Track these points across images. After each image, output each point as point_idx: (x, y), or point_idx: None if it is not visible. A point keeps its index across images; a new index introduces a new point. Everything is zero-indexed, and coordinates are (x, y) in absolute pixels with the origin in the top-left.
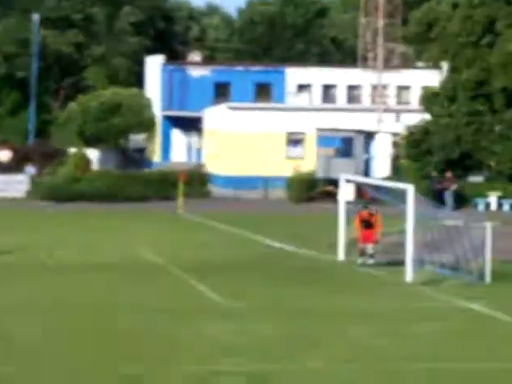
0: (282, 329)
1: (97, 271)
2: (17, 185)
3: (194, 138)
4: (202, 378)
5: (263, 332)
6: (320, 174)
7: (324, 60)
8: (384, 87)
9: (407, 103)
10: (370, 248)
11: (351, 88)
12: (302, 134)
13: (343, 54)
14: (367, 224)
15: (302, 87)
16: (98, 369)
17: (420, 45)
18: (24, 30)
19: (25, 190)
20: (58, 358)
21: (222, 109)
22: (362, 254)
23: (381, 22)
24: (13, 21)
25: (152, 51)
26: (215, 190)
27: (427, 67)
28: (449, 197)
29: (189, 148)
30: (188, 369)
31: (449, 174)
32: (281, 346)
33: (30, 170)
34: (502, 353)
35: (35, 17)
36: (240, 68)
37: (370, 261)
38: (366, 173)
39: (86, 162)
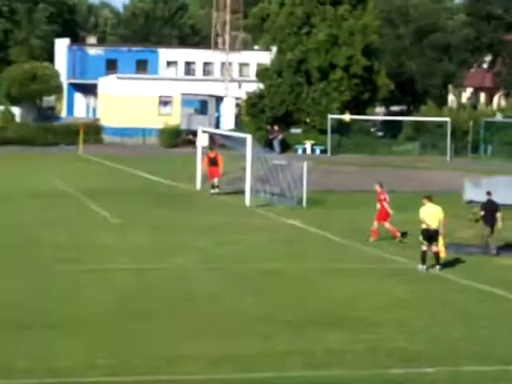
0: (151, 239)
1: (18, 197)
2: None
3: (91, 100)
4: (101, 272)
5: (138, 241)
6: (183, 127)
7: (184, 43)
8: (230, 64)
9: (247, 76)
10: (215, 181)
11: (206, 64)
12: (170, 97)
13: (200, 39)
14: (213, 162)
15: (170, 63)
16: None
17: (256, 33)
18: None
19: None
20: None
21: (111, 78)
22: (212, 185)
23: (228, 16)
24: None
25: (60, 35)
26: (107, 137)
27: (261, 50)
28: (277, 144)
29: (87, 107)
30: (88, 267)
31: (276, 127)
32: (151, 251)
33: None
34: (313, 256)
35: None
36: (125, 48)
37: (216, 190)
38: (217, 126)
39: (12, 116)
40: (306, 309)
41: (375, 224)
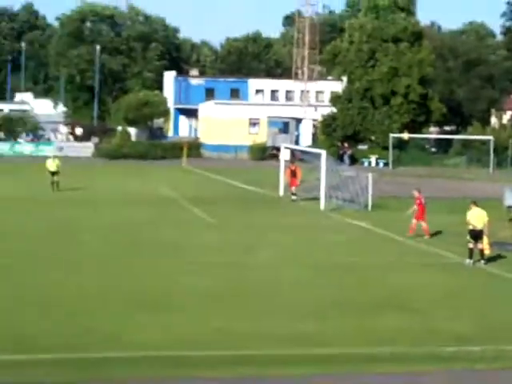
0: (242, 237)
1: (133, 202)
2: (86, 149)
3: (193, 122)
4: (200, 264)
5: (232, 239)
6: (269, 144)
7: (270, 74)
8: (307, 92)
9: (322, 101)
10: (294, 189)
11: (288, 92)
12: (258, 119)
13: (283, 71)
14: (293, 173)
15: (258, 91)
16: (125, 261)
17: (330, 66)
18: (90, 54)
19: (91, 152)
20: (105, 254)
21: (210, 104)
22: (291, 193)
23: (306, 52)
24: (84, 48)
25: (168, 69)
26: (206, 153)
27: (334, 80)
28: (346, 158)
29: (190, 127)
30: (189, 260)
31: (346, 144)
32: (242, 247)
33: (94, 139)
34: (380, 251)
35: (97, 47)
36: (221, 79)
37: (295, 197)
38: (297, 143)
39: (128, 135)
40: (373, 295)
41: (413, 221)
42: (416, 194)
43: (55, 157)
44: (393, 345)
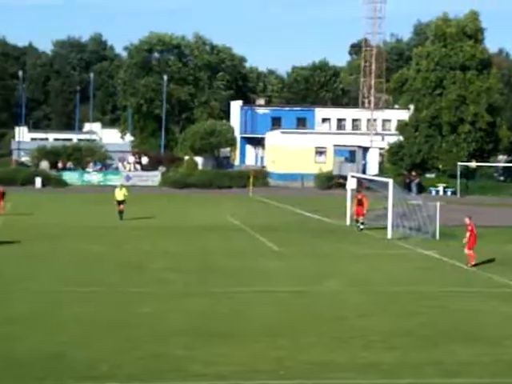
0: (308, 265)
1: (200, 230)
2: (153, 178)
3: (259, 150)
4: (266, 294)
5: (298, 267)
6: (335, 172)
7: (336, 103)
8: (374, 120)
9: (389, 130)
10: (361, 219)
11: (354, 120)
12: (324, 148)
13: (349, 99)
14: (359, 202)
15: (324, 120)
16: (203, 288)
17: (396, 94)
18: (158, 84)
19: (158, 181)
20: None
21: (276, 133)
22: (357, 222)
23: (373, 81)
24: (151, 78)
25: (234, 98)
26: (272, 181)
27: (401, 108)
28: (414, 186)
29: (256, 156)
30: (256, 288)
31: (413, 173)
32: (308, 276)
33: (161, 168)
34: (446, 280)
35: (164, 77)
36: (287, 108)
37: (362, 226)
38: (364, 171)
39: (195, 164)
40: (440, 325)
41: (466, 251)
42: (467, 221)
43: (122, 186)
44: (464, 377)
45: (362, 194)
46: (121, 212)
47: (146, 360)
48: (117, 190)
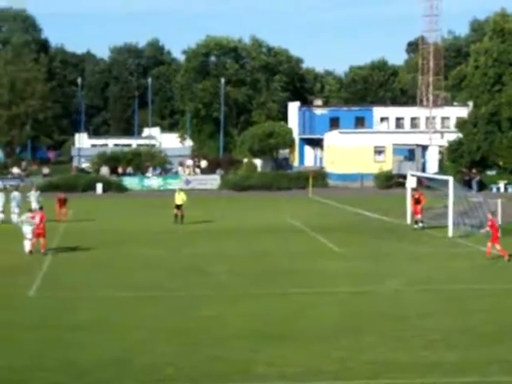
0: (369, 265)
1: (260, 232)
2: (212, 181)
3: (318, 151)
4: (327, 295)
5: (358, 267)
6: (395, 171)
7: (395, 102)
8: (433, 118)
9: (448, 127)
10: (419, 217)
11: (413, 119)
12: (383, 147)
13: (407, 98)
14: (416, 201)
15: (383, 119)
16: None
17: (454, 91)
18: (215, 87)
19: (217, 184)
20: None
21: (334, 133)
22: (416, 220)
23: (431, 78)
24: (208, 82)
25: (292, 99)
26: (331, 182)
27: (459, 105)
28: (474, 184)
29: (315, 157)
30: (317, 289)
31: (474, 170)
32: (369, 276)
33: (220, 171)
34: (508, 278)
35: (222, 79)
36: (345, 108)
37: (420, 224)
38: (423, 170)
39: (254, 167)
40: (500, 322)
41: (489, 245)
42: (489, 216)
43: (181, 190)
44: None
45: (420, 192)
46: (178, 216)
47: (209, 363)
48: (176, 195)
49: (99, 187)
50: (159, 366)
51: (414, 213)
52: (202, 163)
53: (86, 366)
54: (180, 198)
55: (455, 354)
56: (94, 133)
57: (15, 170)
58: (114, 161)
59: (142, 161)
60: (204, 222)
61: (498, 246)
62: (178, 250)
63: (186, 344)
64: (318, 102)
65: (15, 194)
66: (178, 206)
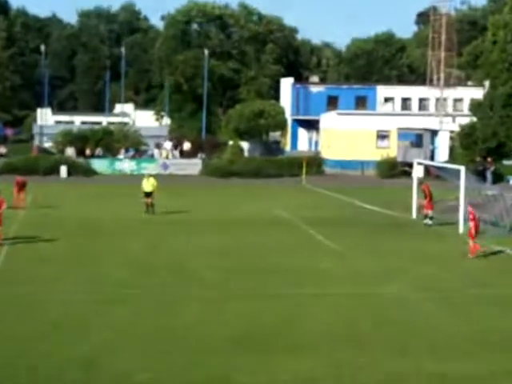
0: (368, 265)
1: (247, 225)
2: (193, 166)
3: (313, 134)
4: (322, 297)
5: (356, 266)
6: (400, 159)
7: (401, 81)
8: (444, 99)
9: (461, 110)
10: (430, 212)
11: (421, 100)
12: (387, 131)
13: (416, 76)
14: (423, 195)
15: (387, 99)
16: (256, 290)
17: (469, 70)
18: (198, 60)
19: (199, 169)
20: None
21: (332, 114)
22: (426, 215)
23: (442, 54)
24: (190, 53)
25: (285, 75)
26: (327, 169)
27: (474, 85)
28: (489, 175)
29: (310, 141)
30: (310, 291)
31: (489, 159)
32: (368, 277)
33: (202, 155)
34: None
35: (206, 51)
36: (345, 86)
37: (430, 221)
38: (432, 158)
39: (240, 150)
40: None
41: (470, 242)
42: (469, 209)
43: (150, 175)
44: None
45: (425, 184)
46: (149, 205)
47: (187, 370)
48: (144, 181)
49: (63, 170)
50: (131, 371)
51: (425, 207)
52: (184, 145)
53: (49, 371)
54: (150, 185)
55: (463, 365)
56: (59, 108)
57: None
58: (81, 141)
59: (113, 141)
60: (183, 212)
61: (471, 242)
62: (153, 243)
63: (163, 349)
64: (315, 78)
65: None
66: (148, 194)
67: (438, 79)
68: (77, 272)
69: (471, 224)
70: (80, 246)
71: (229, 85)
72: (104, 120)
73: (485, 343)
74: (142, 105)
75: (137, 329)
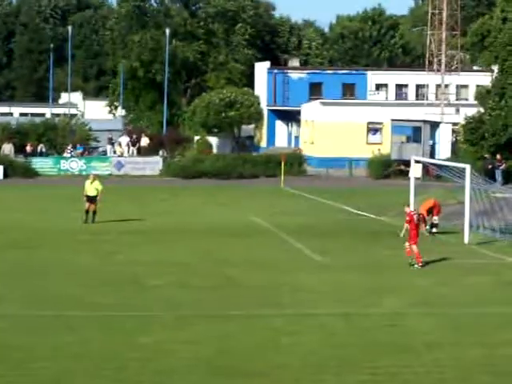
0: (359, 279)
1: (216, 234)
2: (153, 165)
3: (293, 128)
4: (303, 317)
5: (345, 281)
6: (394, 156)
7: (394, 65)
8: (446, 86)
9: (465, 99)
10: (435, 219)
11: (419, 87)
12: (379, 123)
13: (412, 59)
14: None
15: (379, 86)
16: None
17: (475, 52)
18: (157, 41)
19: (159, 169)
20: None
21: (315, 104)
22: (432, 223)
23: (444, 34)
24: (148, 33)
25: (260, 59)
26: (310, 169)
27: (481, 70)
28: (498, 174)
29: (289, 135)
30: (289, 311)
31: (498, 156)
32: (359, 293)
33: (163, 153)
34: None
35: (166, 30)
36: (330, 71)
37: (434, 229)
38: (432, 155)
39: (208, 146)
40: None
41: (406, 245)
42: (407, 209)
43: (95, 177)
44: None
45: (433, 200)
46: (89, 212)
47: None
48: (87, 183)
49: (0, 171)
50: None
51: (433, 214)
52: (142, 141)
53: None
54: (93, 188)
55: None
56: None
57: None
58: (20, 136)
59: (58, 136)
60: (141, 219)
61: (407, 245)
62: (107, 255)
63: (119, 378)
64: (295, 62)
65: None
66: (91, 199)
67: (439, 63)
68: (17, 288)
69: (407, 226)
70: (21, 258)
71: (194, 70)
72: (48, 111)
73: (503, 373)
74: (91, 94)
75: (89, 355)
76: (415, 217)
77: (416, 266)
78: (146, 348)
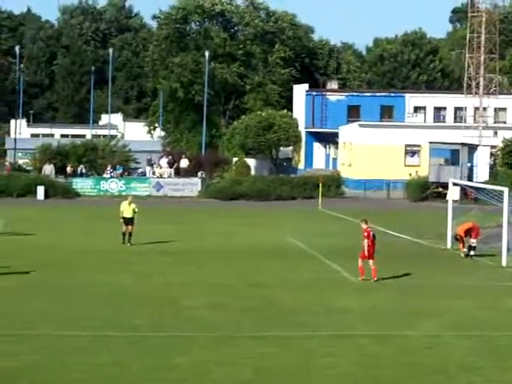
0: (395, 301)
1: (253, 255)
2: (192, 186)
3: (331, 150)
4: (341, 339)
5: (381, 303)
6: (432, 179)
7: (433, 87)
8: (484, 109)
9: (503, 122)
10: (473, 241)
11: (457, 109)
12: (417, 146)
13: (450, 82)
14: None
15: (417, 109)
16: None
17: None
18: (197, 63)
19: (198, 190)
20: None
21: (353, 126)
22: (470, 246)
23: (482, 57)
24: (188, 56)
25: (299, 81)
26: (348, 190)
27: None
28: None
29: (326, 157)
30: (323, 332)
31: None
32: (395, 315)
33: (202, 174)
34: None
35: (206, 53)
36: (368, 94)
37: (472, 252)
38: (470, 178)
39: (246, 168)
40: None
41: (359, 262)
42: (363, 226)
43: (132, 199)
44: None
45: (472, 223)
46: (126, 234)
47: None
48: (124, 204)
49: (41, 191)
50: None
51: (471, 236)
52: (182, 163)
53: None
54: (131, 209)
55: None
56: (36, 119)
57: None
58: (61, 157)
59: (98, 157)
60: (178, 240)
61: (360, 262)
62: (144, 276)
63: None
64: (333, 84)
65: None
66: (128, 221)
67: (477, 86)
68: (55, 309)
69: (364, 242)
70: (59, 278)
71: (233, 92)
72: (88, 133)
73: None
74: (131, 115)
75: (125, 377)
76: (371, 233)
77: (373, 280)
78: (182, 368)
